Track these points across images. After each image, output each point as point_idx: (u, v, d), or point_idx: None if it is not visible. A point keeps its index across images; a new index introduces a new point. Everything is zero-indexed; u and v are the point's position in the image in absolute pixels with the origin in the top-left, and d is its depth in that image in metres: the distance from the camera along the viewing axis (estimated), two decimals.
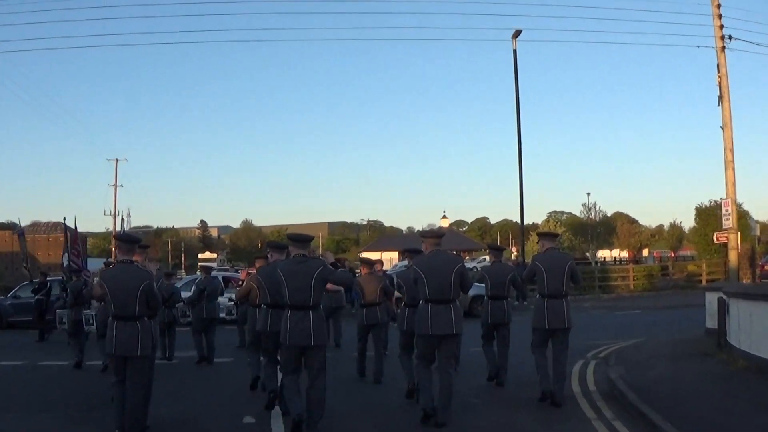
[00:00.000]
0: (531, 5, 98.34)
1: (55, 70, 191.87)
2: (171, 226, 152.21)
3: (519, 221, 35.32)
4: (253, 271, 12.68)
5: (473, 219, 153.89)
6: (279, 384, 9.01)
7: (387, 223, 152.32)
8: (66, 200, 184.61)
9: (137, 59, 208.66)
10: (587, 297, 33.32)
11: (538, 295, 9.75)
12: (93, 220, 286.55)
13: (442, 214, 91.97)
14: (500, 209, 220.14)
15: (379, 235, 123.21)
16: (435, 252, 8.55)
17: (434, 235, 9.08)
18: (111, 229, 64.56)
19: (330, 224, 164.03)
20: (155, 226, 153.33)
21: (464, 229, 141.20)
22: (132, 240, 8.33)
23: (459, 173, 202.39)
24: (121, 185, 64.60)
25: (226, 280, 23.34)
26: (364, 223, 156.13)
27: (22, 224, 34.07)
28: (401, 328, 10.27)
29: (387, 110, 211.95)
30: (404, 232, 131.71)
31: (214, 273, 17.00)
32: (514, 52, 34.18)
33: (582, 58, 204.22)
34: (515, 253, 67.60)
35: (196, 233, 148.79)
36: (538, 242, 10.82)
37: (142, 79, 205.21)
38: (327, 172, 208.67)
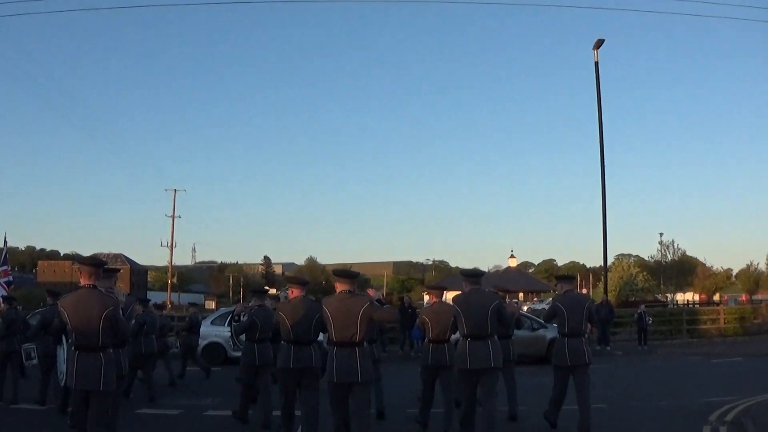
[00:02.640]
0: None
1: (114, 100, 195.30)
2: (235, 262, 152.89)
3: (585, 264, 32.04)
4: (245, 306, 11.93)
5: (540, 261, 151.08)
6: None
7: (453, 264, 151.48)
8: (125, 232, 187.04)
9: (199, 90, 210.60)
10: (675, 342, 30.94)
11: (558, 335, 10.34)
12: (152, 253, 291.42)
13: (510, 253, 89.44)
14: (568, 251, 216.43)
15: (445, 275, 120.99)
16: (473, 290, 9.29)
17: (473, 274, 9.69)
18: (169, 261, 63.18)
19: (395, 263, 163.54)
20: (219, 261, 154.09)
21: (531, 270, 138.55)
22: (96, 264, 7.59)
23: (527, 213, 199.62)
24: (179, 216, 63.24)
25: None
26: (430, 263, 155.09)
27: (82, 254, 32.64)
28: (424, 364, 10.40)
29: (453, 149, 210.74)
30: None
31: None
32: (596, 64, 29.79)
33: (655, 81, 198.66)
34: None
35: (260, 269, 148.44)
36: (556, 285, 11.00)
37: (207, 113, 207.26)
38: (393, 211, 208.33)
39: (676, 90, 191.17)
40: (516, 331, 19.64)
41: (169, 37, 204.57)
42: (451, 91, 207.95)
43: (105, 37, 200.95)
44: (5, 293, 15.57)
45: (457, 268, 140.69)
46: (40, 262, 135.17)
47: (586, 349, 9.97)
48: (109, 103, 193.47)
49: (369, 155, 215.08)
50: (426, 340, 10.57)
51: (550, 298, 70.70)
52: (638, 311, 29.16)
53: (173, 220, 62.95)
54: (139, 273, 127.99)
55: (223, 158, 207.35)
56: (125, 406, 11.29)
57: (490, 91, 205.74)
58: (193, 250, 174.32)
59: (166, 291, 68.68)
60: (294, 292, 9.15)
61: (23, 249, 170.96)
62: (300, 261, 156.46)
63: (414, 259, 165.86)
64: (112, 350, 7.30)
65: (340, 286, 8.16)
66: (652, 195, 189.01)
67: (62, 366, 11.46)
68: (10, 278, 17.25)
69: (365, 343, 8.04)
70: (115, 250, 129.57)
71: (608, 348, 24.73)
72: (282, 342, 9.17)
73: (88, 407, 7.20)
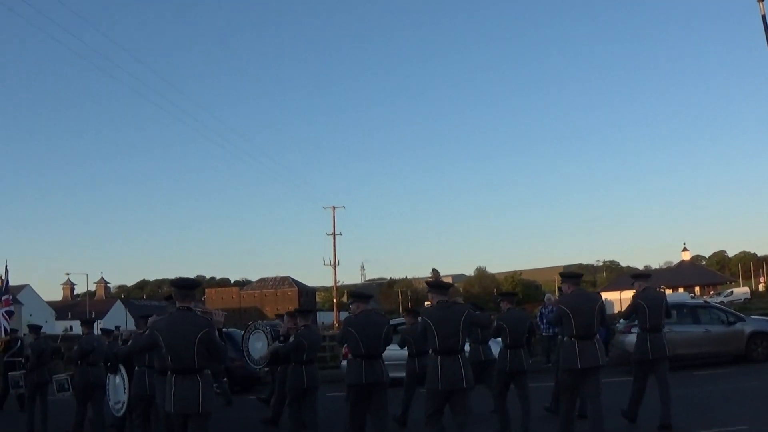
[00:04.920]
0: None
1: (268, 123, 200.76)
2: (404, 277, 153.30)
3: (756, 253, 28.64)
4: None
5: (710, 253, 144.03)
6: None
7: (623, 263, 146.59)
8: (290, 253, 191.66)
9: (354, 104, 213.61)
10: None
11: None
12: (319, 273, 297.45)
13: (683, 246, 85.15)
14: (738, 241, 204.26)
15: (616, 275, 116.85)
16: (577, 291, 9.43)
17: (574, 275, 9.71)
18: (332, 280, 63.41)
19: (565, 267, 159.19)
20: (388, 278, 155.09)
21: (702, 263, 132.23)
22: (189, 285, 7.51)
23: (696, 206, 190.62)
24: (340, 234, 63.31)
25: None
26: (600, 264, 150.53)
27: (252, 280, 32.93)
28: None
29: (615, 147, 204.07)
30: (641, 270, 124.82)
31: None
32: (763, 18, 23.24)
33: None
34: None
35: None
36: (633, 283, 10.69)
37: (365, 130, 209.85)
38: (560, 214, 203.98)
39: None
40: (708, 327, 17.89)
41: (324, 54, 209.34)
42: (617, 86, 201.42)
43: (256, 62, 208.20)
44: (7, 324, 15.24)
45: (628, 267, 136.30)
46: (207, 290, 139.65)
47: (666, 343, 10.48)
48: (267, 126, 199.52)
49: (532, 161, 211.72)
50: (504, 345, 10.74)
51: (729, 290, 67.02)
52: None
53: (334, 238, 62.97)
54: (307, 294, 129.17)
55: (384, 173, 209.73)
56: None
57: (659, 83, 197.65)
58: (362, 268, 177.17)
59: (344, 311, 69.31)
60: (359, 307, 9.34)
61: (193, 278, 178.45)
62: (469, 271, 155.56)
63: (584, 261, 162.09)
64: (209, 372, 7.20)
65: (436, 297, 8.31)
66: None
67: (120, 396, 11.29)
68: (11, 308, 16.95)
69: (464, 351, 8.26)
70: (282, 273, 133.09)
71: None
72: (351, 357, 9.35)
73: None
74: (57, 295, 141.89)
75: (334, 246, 62.91)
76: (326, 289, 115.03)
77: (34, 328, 13.07)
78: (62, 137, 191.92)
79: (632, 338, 16.21)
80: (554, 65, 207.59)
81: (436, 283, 8.71)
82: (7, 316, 16.67)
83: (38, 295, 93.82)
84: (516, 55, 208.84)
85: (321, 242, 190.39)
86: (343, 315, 71.29)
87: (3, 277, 17.98)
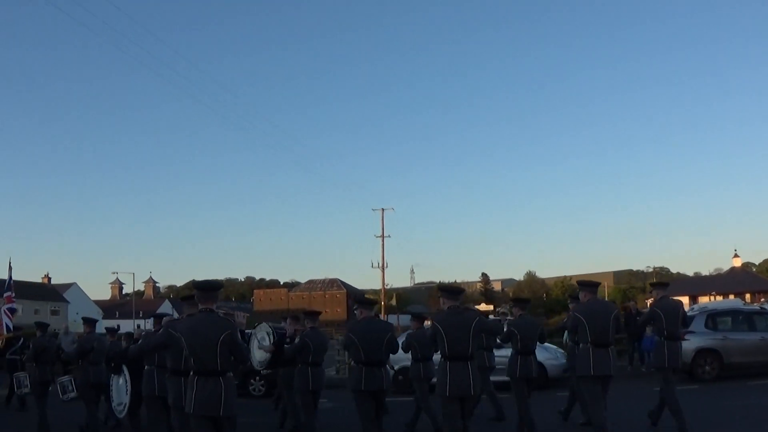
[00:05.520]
0: None
1: (318, 126, 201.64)
2: (453, 281, 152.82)
3: None
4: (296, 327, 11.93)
5: (761, 260, 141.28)
6: None
7: (673, 269, 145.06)
8: (339, 256, 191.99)
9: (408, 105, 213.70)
10: None
11: (658, 338, 10.81)
12: (368, 276, 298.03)
13: (734, 253, 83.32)
14: None
15: (667, 281, 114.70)
16: (593, 299, 9.61)
17: (591, 284, 9.82)
18: (381, 282, 63.26)
19: (615, 273, 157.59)
20: (438, 281, 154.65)
21: (752, 270, 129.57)
22: (212, 287, 7.50)
23: (749, 211, 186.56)
24: (389, 236, 63.15)
25: None
26: (650, 270, 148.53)
27: (301, 282, 32.90)
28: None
29: (666, 154, 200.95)
30: (691, 277, 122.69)
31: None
32: None
33: None
34: None
35: (478, 287, 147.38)
36: (651, 291, 10.68)
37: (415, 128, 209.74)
38: (611, 220, 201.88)
39: None
40: (765, 334, 17.36)
41: (368, 54, 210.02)
42: (669, 87, 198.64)
43: (306, 67, 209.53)
44: (10, 321, 15.21)
45: (678, 273, 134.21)
46: (256, 291, 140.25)
47: (681, 352, 11.06)
48: (317, 129, 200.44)
49: (584, 167, 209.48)
50: (514, 351, 10.97)
51: None
52: None
53: (383, 240, 62.81)
54: (355, 296, 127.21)
55: (435, 175, 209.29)
56: None
57: (708, 86, 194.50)
58: (412, 271, 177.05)
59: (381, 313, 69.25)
60: (363, 313, 9.39)
61: (242, 280, 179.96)
62: (519, 276, 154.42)
63: (634, 267, 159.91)
64: (231, 374, 7.20)
65: (446, 302, 8.29)
66: None
67: (122, 397, 11.19)
68: (14, 305, 16.93)
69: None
70: (331, 275, 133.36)
71: None
72: (354, 364, 9.34)
73: None
74: (105, 294, 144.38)
75: (383, 248, 62.87)
76: (375, 292, 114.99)
77: (88, 321, 12.91)
78: (111, 138, 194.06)
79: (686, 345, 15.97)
80: (634, 64, 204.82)
81: (448, 288, 8.62)
82: (9, 314, 16.62)
83: (85, 294, 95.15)
84: (594, 59, 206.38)
85: (370, 244, 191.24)
86: (391, 318, 71.53)
87: (8, 275, 18.02)
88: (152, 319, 11.66)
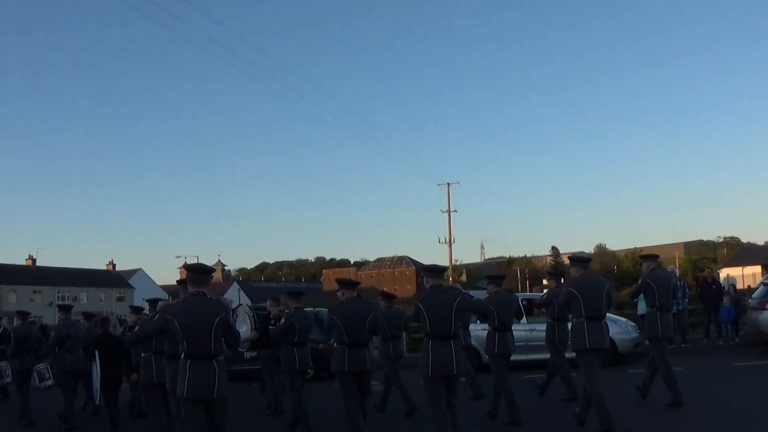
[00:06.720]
0: None
1: (382, 101, 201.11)
2: (523, 255, 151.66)
3: None
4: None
5: None
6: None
7: (744, 239, 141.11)
8: (406, 233, 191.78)
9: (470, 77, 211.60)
10: None
11: (652, 309, 10.78)
12: (436, 252, 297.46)
13: None
14: None
15: (738, 251, 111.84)
16: (585, 274, 9.69)
17: (583, 259, 10.06)
18: (449, 257, 62.57)
19: (685, 244, 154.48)
20: (508, 256, 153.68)
21: None
22: (204, 270, 7.47)
23: None
24: (455, 211, 62.31)
25: None
26: (720, 240, 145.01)
27: (369, 260, 32.52)
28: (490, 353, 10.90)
29: (736, 120, 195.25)
30: (762, 246, 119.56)
31: None
32: None
33: None
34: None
35: (548, 260, 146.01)
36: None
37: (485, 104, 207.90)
38: (682, 190, 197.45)
39: None
40: None
41: (431, 27, 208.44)
42: (745, 49, 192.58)
43: (370, 43, 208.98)
44: None
45: (749, 243, 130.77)
46: (324, 271, 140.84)
47: (672, 324, 11.11)
48: (382, 104, 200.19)
49: (653, 135, 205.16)
50: (491, 328, 10.92)
51: None
52: None
53: (449, 216, 61.83)
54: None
55: (502, 149, 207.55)
56: None
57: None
58: (482, 247, 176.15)
59: None
60: (345, 294, 9.33)
61: (312, 260, 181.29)
62: (589, 249, 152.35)
63: (705, 238, 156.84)
64: (222, 358, 7.16)
65: (430, 281, 8.23)
66: None
67: (95, 383, 11.12)
68: None
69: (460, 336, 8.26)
70: (400, 253, 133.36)
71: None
72: (335, 344, 9.28)
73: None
74: (172, 278, 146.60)
75: (449, 223, 62.00)
76: (444, 268, 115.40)
77: (63, 308, 13.03)
78: (174, 118, 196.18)
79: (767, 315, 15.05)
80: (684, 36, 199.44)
81: (431, 267, 8.47)
82: None
83: (151, 279, 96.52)
84: (674, 21, 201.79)
85: (437, 220, 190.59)
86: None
87: None
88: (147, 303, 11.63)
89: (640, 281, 11.29)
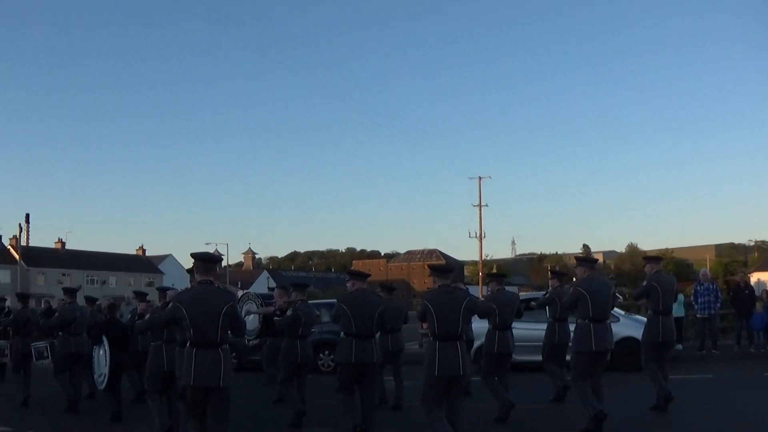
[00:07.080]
0: None
1: (414, 94, 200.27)
2: (554, 252, 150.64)
3: None
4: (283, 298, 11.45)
5: None
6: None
7: None
8: (438, 226, 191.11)
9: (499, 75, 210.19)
10: None
11: (652, 313, 10.70)
12: (467, 247, 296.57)
13: None
14: None
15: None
16: (593, 275, 9.74)
17: (591, 260, 10.39)
18: (479, 252, 61.94)
19: (717, 246, 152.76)
20: (539, 252, 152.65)
21: None
22: (211, 259, 7.60)
23: None
24: (486, 205, 61.81)
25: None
26: (752, 243, 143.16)
27: (400, 252, 32.21)
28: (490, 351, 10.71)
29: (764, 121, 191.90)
30: None
31: None
32: None
33: None
34: None
35: None
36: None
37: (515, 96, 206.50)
38: (712, 192, 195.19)
39: None
40: None
41: (464, 24, 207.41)
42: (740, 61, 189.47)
43: (401, 36, 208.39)
44: None
45: None
46: (354, 262, 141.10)
47: (674, 328, 10.82)
48: (413, 97, 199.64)
49: (684, 137, 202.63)
50: (491, 327, 10.75)
51: None
52: None
53: (480, 210, 61.55)
54: (455, 267, 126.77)
55: (535, 145, 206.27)
56: None
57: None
58: (513, 243, 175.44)
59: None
60: (354, 285, 9.30)
61: (343, 251, 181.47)
62: (620, 248, 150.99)
63: (736, 241, 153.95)
64: (227, 346, 7.20)
65: (438, 281, 8.09)
66: None
67: (102, 368, 11.08)
68: None
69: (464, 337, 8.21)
70: (430, 246, 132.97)
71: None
72: (343, 335, 9.23)
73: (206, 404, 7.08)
74: None
75: (480, 217, 61.74)
76: (474, 263, 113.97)
77: (68, 291, 12.85)
78: (204, 109, 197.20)
79: None
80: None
81: (438, 267, 8.44)
82: None
83: (181, 265, 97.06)
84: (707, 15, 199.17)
85: (467, 214, 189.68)
86: (485, 288, 70.53)
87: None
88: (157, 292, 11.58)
89: (644, 283, 11.07)
